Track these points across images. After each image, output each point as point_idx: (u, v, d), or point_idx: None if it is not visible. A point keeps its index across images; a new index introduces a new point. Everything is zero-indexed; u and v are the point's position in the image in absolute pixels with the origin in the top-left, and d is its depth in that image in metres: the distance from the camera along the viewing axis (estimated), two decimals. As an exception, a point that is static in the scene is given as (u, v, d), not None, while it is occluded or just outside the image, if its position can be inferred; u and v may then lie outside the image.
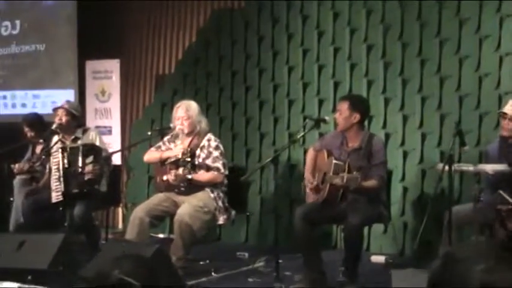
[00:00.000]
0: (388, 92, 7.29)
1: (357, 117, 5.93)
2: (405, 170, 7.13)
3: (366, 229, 6.65)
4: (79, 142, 6.97)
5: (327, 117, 6.25)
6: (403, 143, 7.18)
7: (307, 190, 6.07)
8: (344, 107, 5.98)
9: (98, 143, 7.00)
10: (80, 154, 6.73)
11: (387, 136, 7.20)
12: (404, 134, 7.19)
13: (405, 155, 7.15)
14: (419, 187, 7.04)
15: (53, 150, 6.92)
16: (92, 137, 7.07)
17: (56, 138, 7.07)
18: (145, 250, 4.96)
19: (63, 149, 6.82)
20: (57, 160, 6.84)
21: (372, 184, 5.83)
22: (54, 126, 7.02)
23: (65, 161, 6.78)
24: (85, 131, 7.18)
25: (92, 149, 6.83)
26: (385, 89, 7.29)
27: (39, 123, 7.75)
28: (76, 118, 7.12)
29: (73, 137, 7.08)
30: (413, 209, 7.03)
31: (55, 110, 7.18)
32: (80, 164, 6.70)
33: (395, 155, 7.09)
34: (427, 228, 5.66)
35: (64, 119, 7.03)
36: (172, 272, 5.22)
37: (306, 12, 7.81)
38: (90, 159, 6.75)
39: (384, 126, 7.28)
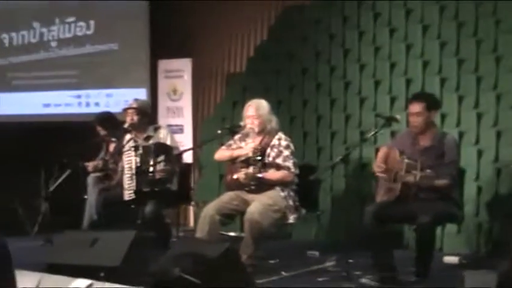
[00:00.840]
0: (462, 89, 7.16)
1: (430, 116, 5.86)
2: (479, 169, 6.99)
3: (438, 229, 6.54)
4: (151, 141, 7.04)
5: (398, 116, 6.18)
6: (477, 142, 7.04)
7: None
8: (419, 109, 5.86)
9: (169, 142, 7.06)
10: (152, 153, 6.80)
11: (461, 134, 7.07)
12: (478, 132, 7.05)
13: (479, 153, 7.01)
14: (494, 186, 6.89)
15: (125, 149, 7.01)
16: (164, 135, 7.13)
17: (128, 136, 7.15)
18: (215, 248, 4.96)
19: (136, 148, 6.90)
20: (129, 159, 6.93)
21: (443, 183, 5.74)
22: (126, 125, 7.10)
23: (137, 159, 6.86)
24: (156, 128, 7.24)
25: (163, 148, 6.89)
26: (458, 86, 7.16)
27: (111, 122, 7.85)
28: (147, 115, 7.19)
29: (145, 135, 7.14)
30: (488, 208, 6.88)
31: (125, 110, 7.26)
32: (152, 162, 6.76)
33: (469, 153, 6.95)
34: (503, 228, 5.54)
35: (135, 118, 7.10)
36: (241, 270, 5.21)
37: (377, 9, 7.74)
38: (161, 158, 6.81)
39: (458, 124, 7.15)
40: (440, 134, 5.94)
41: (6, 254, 2.37)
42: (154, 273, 2.10)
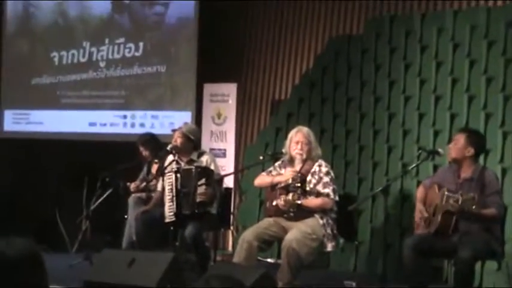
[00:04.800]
0: (507, 125, 7.10)
1: (471, 151, 5.86)
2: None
3: (478, 265, 6.47)
4: (194, 165, 7.09)
5: (440, 150, 6.18)
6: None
7: (416, 219, 5.98)
8: (460, 138, 5.92)
9: (212, 167, 7.10)
10: (193, 176, 6.85)
11: (504, 171, 7.00)
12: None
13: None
14: (536, 225, 6.80)
15: (167, 171, 7.06)
16: (207, 161, 7.17)
17: (170, 158, 7.21)
18: (251, 273, 4.98)
19: (177, 170, 6.96)
20: (170, 181, 6.98)
21: (491, 212, 5.70)
22: (169, 147, 7.17)
23: (179, 182, 6.92)
24: (200, 154, 7.29)
25: (204, 172, 6.94)
26: (503, 122, 7.10)
27: (153, 143, 7.94)
28: (191, 141, 7.24)
29: (188, 159, 7.20)
30: (529, 247, 6.79)
31: (173, 131, 7.36)
32: (193, 186, 6.81)
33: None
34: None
35: (179, 141, 7.17)
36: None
37: (424, 41, 7.72)
38: (202, 181, 6.86)
39: (501, 160, 7.08)
40: (480, 168, 5.93)
41: (40, 263, 2.42)
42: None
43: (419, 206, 6.05)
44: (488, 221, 5.76)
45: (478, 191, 5.77)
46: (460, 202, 5.50)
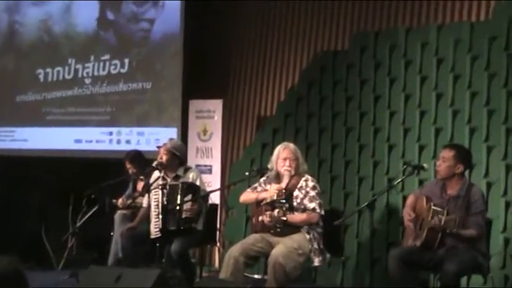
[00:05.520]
0: (491, 139, 7.13)
1: (460, 168, 5.93)
2: (507, 220, 6.93)
3: (464, 279, 6.49)
4: (180, 181, 7.09)
5: (425, 165, 6.23)
6: (505, 193, 6.99)
7: (405, 223, 6.01)
8: (449, 155, 5.96)
9: (198, 183, 7.10)
10: (179, 192, 6.85)
11: (489, 185, 7.03)
12: (507, 184, 7.00)
13: (507, 204, 6.96)
14: (521, 238, 6.84)
15: (152, 187, 7.06)
16: (193, 177, 7.18)
17: (156, 174, 7.21)
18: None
19: (163, 186, 6.96)
20: (157, 197, 6.98)
21: (470, 233, 5.74)
22: (154, 164, 7.17)
23: (165, 198, 6.91)
24: (186, 170, 7.30)
25: (190, 188, 6.94)
26: (487, 137, 7.14)
27: (140, 160, 7.95)
28: (177, 157, 7.25)
29: (174, 175, 7.20)
30: (514, 261, 6.82)
31: (158, 147, 7.36)
32: (179, 201, 6.81)
33: (497, 204, 6.90)
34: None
35: (165, 157, 7.18)
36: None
37: (409, 56, 7.76)
38: (188, 197, 6.86)
39: (486, 175, 7.11)
40: (467, 185, 5.96)
41: (23, 280, 2.41)
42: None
43: (407, 209, 6.09)
44: (467, 241, 5.80)
45: (463, 208, 5.81)
46: (442, 222, 5.60)
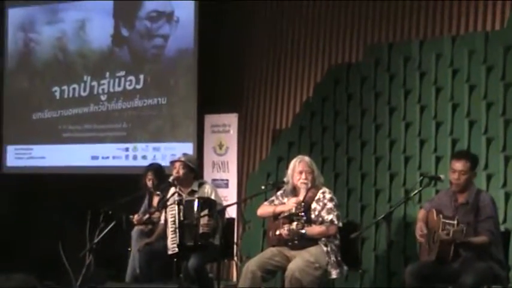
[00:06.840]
0: (508, 149, 7.10)
1: (473, 176, 5.91)
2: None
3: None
4: (195, 195, 7.10)
5: (442, 176, 6.19)
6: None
7: (418, 238, 5.99)
8: (466, 166, 5.93)
9: (213, 197, 7.10)
10: (196, 207, 6.85)
11: (507, 195, 6.99)
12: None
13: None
14: (541, 249, 6.78)
15: (169, 203, 7.07)
16: (208, 191, 7.19)
17: (172, 190, 7.21)
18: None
19: (179, 202, 6.96)
20: (173, 213, 6.99)
21: (482, 240, 5.71)
22: (171, 179, 7.18)
23: (181, 213, 6.92)
24: (201, 184, 7.30)
25: (207, 203, 6.94)
26: (504, 147, 7.10)
27: (161, 173, 7.95)
28: (193, 171, 7.26)
29: (189, 189, 7.21)
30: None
31: (172, 163, 7.35)
32: (195, 217, 6.81)
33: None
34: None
35: (181, 171, 7.19)
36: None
37: (423, 68, 7.74)
38: (205, 212, 6.86)
39: (504, 184, 7.07)
40: (476, 191, 5.95)
41: None
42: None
43: (418, 225, 6.07)
44: (479, 248, 5.77)
45: (472, 215, 5.80)
46: (451, 234, 5.57)
